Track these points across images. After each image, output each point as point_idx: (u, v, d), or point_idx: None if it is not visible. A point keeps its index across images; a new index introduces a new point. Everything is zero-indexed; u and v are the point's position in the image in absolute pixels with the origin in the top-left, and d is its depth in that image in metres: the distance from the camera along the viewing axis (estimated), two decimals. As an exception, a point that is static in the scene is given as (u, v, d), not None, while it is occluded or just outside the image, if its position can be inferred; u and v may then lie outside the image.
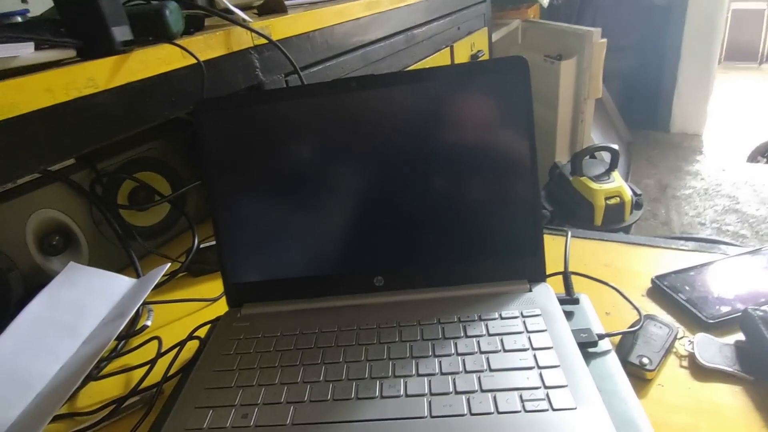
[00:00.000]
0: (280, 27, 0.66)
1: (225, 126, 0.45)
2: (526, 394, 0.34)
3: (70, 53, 0.42)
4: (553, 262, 0.45)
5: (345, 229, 0.46)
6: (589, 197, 1.46)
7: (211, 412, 0.37)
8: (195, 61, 0.51)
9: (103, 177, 0.62)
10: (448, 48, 1.27)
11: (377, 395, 0.36)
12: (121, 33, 0.44)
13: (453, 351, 0.38)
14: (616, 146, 1.48)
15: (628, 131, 2.56)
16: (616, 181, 1.50)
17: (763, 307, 0.39)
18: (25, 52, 0.38)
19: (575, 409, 0.32)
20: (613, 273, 0.50)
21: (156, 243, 0.70)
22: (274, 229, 0.47)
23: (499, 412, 0.33)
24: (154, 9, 0.49)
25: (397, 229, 0.46)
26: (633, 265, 0.52)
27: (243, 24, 0.58)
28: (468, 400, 0.34)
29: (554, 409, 0.32)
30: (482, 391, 0.34)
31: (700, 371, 0.38)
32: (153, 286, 0.51)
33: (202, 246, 0.65)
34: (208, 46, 0.54)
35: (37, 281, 0.56)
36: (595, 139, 1.98)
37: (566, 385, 0.34)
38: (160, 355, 0.47)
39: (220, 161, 0.46)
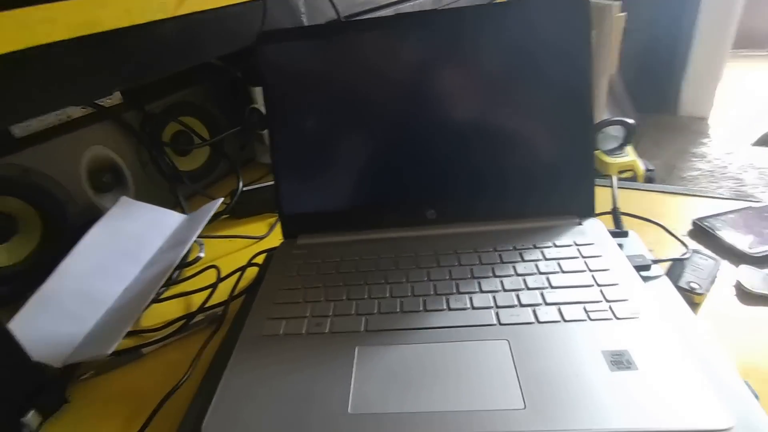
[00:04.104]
0: (323, -26, 0.66)
1: (286, 57, 0.46)
2: (589, 307, 0.36)
3: (141, -23, 0.43)
4: (597, 207, 0.47)
5: (399, 162, 0.48)
6: (602, 170, 1.48)
7: (284, 322, 0.38)
8: (250, -2, 0.52)
9: (150, 118, 0.63)
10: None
11: (445, 308, 0.38)
12: (189, -39, 0.45)
13: (513, 272, 0.40)
14: (631, 120, 1.49)
15: (635, 112, 2.57)
16: (630, 156, 1.51)
17: (806, 241, 0.41)
18: (105, -31, 0.39)
19: (638, 318, 0.34)
20: (654, 217, 0.52)
21: (195, 188, 0.71)
22: (330, 161, 0.49)
23: (565, 320, 0.35)
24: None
25: (451, 163, 0.47)
26: (672, 211, 0.54)
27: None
28: (534, 311, 0.36)
29: (618, 318, 0.34)
30: (546, 304, 0.36)
31: (746, 296, 0.40)
32: (207, 220, 0.53)
33: (244, 189, 0.66)
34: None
35: (88, 215, 0.57)
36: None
37: (627, 299, 0.36)
38: (220, 280, 0.49)
39: (280, 92, 0.47)
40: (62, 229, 0.55)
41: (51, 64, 0.37)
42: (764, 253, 0.44)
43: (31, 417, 0.38)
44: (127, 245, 0.52)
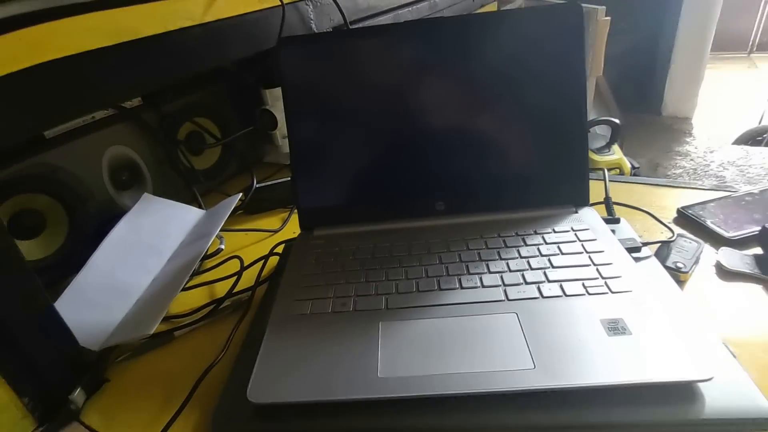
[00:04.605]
0: (330, -18, 0.70)
1: (304, 61, 0.50)
2: (587, 283, 0.40)
3: (171, -13, 0.46)
4: (591, 197, 0.51)
5: (409, 158, 0.51)
6: (591, 167, 1.54)
7: (311, 302, 0.42)
8: (268, 5, 0.56)
9: (167, 119, 0.66)
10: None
11: (457, 286, 0.41)
12: (213, -28, 0.48)
13: (517, 255, 0.44)
14: (617, 120, 1.55)
15: (620, 113, 2.64)
16: (616, 154, 1.58)
17: (777, 224, 0.46)
18: (142, -19, 0.42)
19: (630, 291, 0.38)
20: (642, 206, 0.57)
21: (209, 185, 0.74)
22: (344, 158, 0.52)
23: (566, 295, 0.39)
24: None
25: (458, 159, 0.51)
26: (659, 200, 0.58)
27: (305, -25, 0.62)
28: (539, 288, 0.40)
29: (613, 292, 0.39)
30: (549, 281, 0.41)
31: (725, 274, 0.45)
32: (228, 214, 0.56)
33: (258, 186, 0.69)
34: (276, -8, 0.59)
35: (109, 212, 0.60)
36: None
37: (620, 276, 0.40)
38: (244, 268, 0.52)
39: (298, 93, 0.51)
40: (86, 225, 0.58)
41: (93, 69, 0.40)
42: (741, 236, 0.49)
43: (78, 394, 0.41)
44: (151, 239, 0.56)
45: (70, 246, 0.57)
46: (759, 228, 0.47)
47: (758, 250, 0.47)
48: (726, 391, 0.31)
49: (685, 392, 0.31)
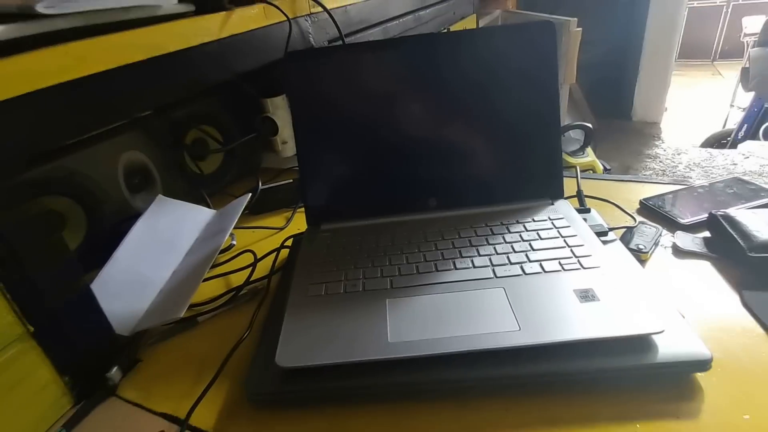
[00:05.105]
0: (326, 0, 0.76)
1: (310, 71, 0.56)
2: (563, 261, 0.46)
3: (191, 8, 0.52)
4: (565, 191, 0.58)
5: (405, 159, 0.58)
6: (566, 170, 1.63)
7: (324, 285, 0.48)
8: (273, 21, 0.61)
9: (175, 126, 0.71)
10: (446, 30, 1.39)
11: (452, 267, 0.48)
12: (227, -6, 0.54)
13: (502, 240, 0.51)
14: (590, 124, 1.65)
15: (594, 118, 2.77)
16: (590, 156, 1.67)
17: (722, 211, 0.54)
18: (169, 2, 0.47)
19: (599, 267, 0.45)
20: (609, 198, 0.64)
21: (212, 189, 0.79)
22: (346, 160, 0.58)
23: (545, 271, 0.45)
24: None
25: (448, 160, 0.58)
26: (624, 194, 0.66)
27: (305, -6, 0.68)
28: (521, 266, 0.46)
29: (584, 268, 0.45)
30: (530, 261, 0.47)
31: (679, 254, 0.52)
32: (241, 211, 0.61)
33: (263, 188, 0.75)
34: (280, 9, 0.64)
35: (124, 213, 0.65)
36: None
37: (590, 255, 0.47)
38: (258, 259, 0.57)
39: (304, 101, 0.56)
40: (104, 225, 0.62)
41: (127, 81, 0.46)
42: (693, 222, 0.56)
43: (114, 372, 0.45)
44: (168, 236, 0.60)
45: (89, 245, 0.61)
46: (707, 215, 0.55)
47: (707, 234, 0.55)
48: (675, 342, 0.38)
49: (642, 343, 0.38)
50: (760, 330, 0.42)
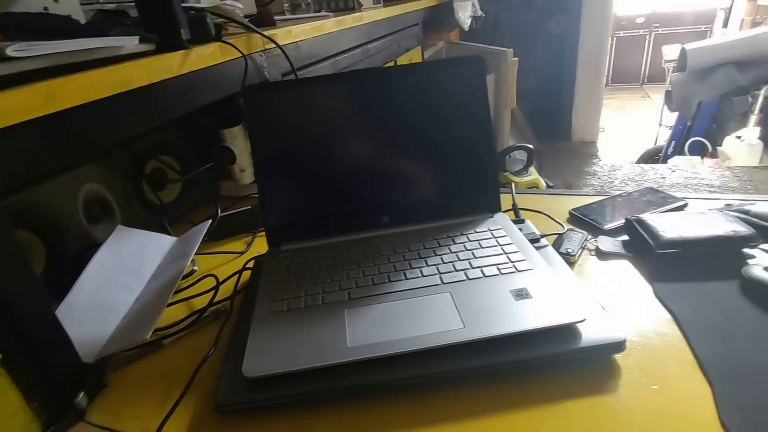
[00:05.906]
0: (278, 36, 0.81)
1: (266, 103, 0.60)
2: (500, 266, 0.52)
3: (151, 47, 0.55)
4: (502, 205, 0.65)
5: (357, 181, 0.63)
6: (513, 188, 1.74)
7: (286, 301, 0.51)
8: (230, 58, 0.66)
9: (136, 157, 0.73)
10: (393, 62, 1.48)
11: (403, 278, 0.52)
12: (185, 33, 0.58)
13: (448, 251, 0.56)
14: (531, 145, 1.78)
15: (536, 140, 2.95)
16: (533, 175, 1.80)
17: (635, 216, 0.62)
18: (131, 43, 0.51)
19: (532, 269, 0.51)
20: (542, 209, 0.72)
21: (172, 217, 0.81)
22: (303, 183, 0.62)
23: (486, 276, 0.51)
24: (198, 17, 0.63)
25: (398, 181, 0.63)
26: (555, 205, 0.74)
27: (258, 31, 0.73)
28: (465, 273, 0.52)
29: (519, 271, 0.51)
30: (472, 267, 0.53)
31: (601, 255, 0.60)
32: (202, 237, 0.64)
33: (222, 215, 0.77)
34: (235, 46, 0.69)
35: (83, 244, 0.66)
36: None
37: (525, 260, 0.53)
38: (220, 283, 0.60)
39: (262, 131, 0.60)
40: (64, 257, 0.63)
41: (94, 116, 0.48)
42: (613, 227, 0.64)
43: (81, 398, 0.46)
44: (130, 263, 0.62)
45: (49, 276, 0.62)
46: (624, 220, 0.63)
47: (625, 237, 0.62)
48: (596, 330, 0.44)
49: (569, 332, 0.44)
50: (667, 315, 0.49)
